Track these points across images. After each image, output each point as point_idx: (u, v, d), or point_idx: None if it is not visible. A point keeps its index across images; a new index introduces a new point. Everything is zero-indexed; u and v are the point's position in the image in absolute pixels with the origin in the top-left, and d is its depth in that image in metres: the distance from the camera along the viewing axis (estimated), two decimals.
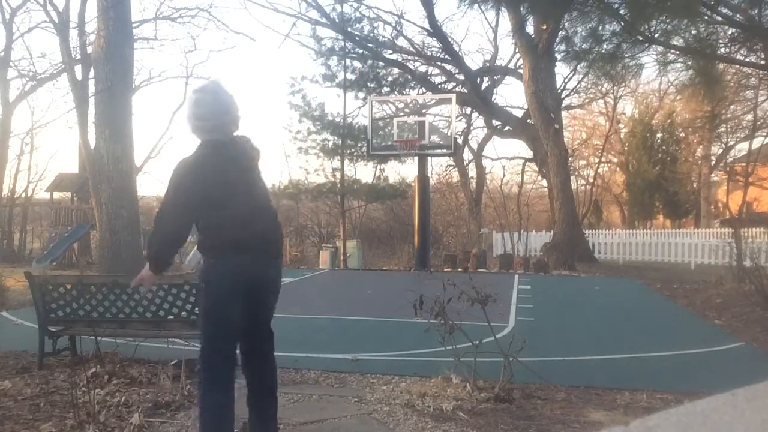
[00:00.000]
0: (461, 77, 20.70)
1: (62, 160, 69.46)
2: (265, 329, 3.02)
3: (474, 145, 25.30)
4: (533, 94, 15.79)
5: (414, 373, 4.54)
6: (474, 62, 40.97)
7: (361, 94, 17.73)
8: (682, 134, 27.98)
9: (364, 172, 35.80)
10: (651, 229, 26.12)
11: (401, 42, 20.85)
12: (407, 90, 18.80)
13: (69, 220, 15.82)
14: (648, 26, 8.59)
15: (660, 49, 9.62)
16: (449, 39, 20.80)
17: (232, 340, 2.87)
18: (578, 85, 23.51)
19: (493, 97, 22.25)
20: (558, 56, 15.20)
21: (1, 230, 17.23)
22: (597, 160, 28.03)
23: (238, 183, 2.80)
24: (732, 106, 22.74)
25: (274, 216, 3.03)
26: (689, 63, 9.83)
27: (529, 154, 22.09)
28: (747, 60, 10.05)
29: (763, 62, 9.77)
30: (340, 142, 16.34)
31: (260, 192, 2.94)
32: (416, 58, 21.21)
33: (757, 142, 20.50)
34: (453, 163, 24.35)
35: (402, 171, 45.89)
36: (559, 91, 20.08)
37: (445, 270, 13.46)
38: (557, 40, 14.28)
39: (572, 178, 21.76)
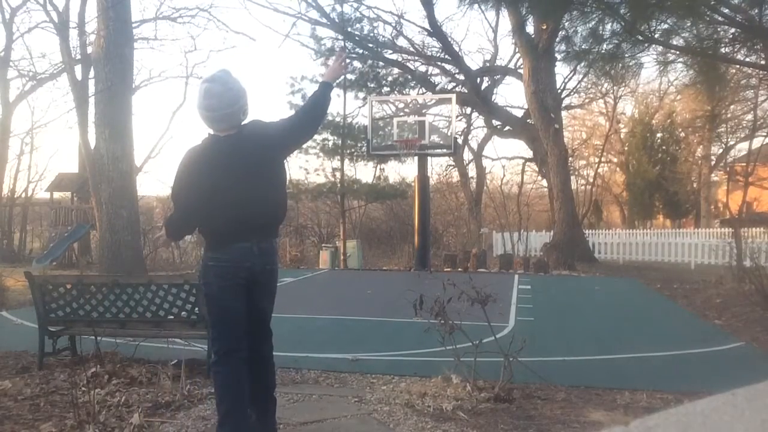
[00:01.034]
0: (461, 77, 20.70)
1: (62, 160, 69.54)
2: (265, 329, 3.04)
3: (474, 145, 25.34)
4: (533, 94, 15.79)
5: (414, 373, 4.54)
6: (474, 62, 40.97)
7: (361, 94, 17.73)
8: (682, 134, 27.98)
9: (364, 172, 35.97)
10: (651, 229, 26.11)
11: (401, 42, 20.88)
12: (407, 90, 18.79)
13: (69, 220, 15.81)
14: (648, 26, 8.59)
15: (660, 49, 9.63)
16: (449, 39, 20.83)
17: (237, 339, 2.89)
18: (578, 85, 23.56)
19: (493, 97, 22.26)
20: (558, 56, 15.22)
21: (1, 230, 17.23)
22: (597, 160, 28.02)
23: (230, 175, 2.83)
24: (732, 106, 22.73)
25: (274, 202, 2.98)
26: (689, 63, 9.83)
27: (529, 154, 22.10)
28: (747, 60, 10.04)
29: (763, 62, 9.77)
30: (340, 142, 16.34)
31: (262, 179, 2.91)
32: (416, 58, 21.21)
33: (757, 142, 20.46)
34: (453, 163, 24.36)
35: (402, 171, 45.98)
36: (559, 91, 20.08)
37: (445, 270, 13.45)
38: (557, 40, 14.28)
39: (572, 178, 21.75)
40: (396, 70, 19.42)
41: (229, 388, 2.85)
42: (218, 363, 2.90)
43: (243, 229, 2.84)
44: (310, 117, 3.08)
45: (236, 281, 2.86)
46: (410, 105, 15.49)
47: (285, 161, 3.20)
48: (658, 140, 27.70)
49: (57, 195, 17.94)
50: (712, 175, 27.20)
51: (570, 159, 20.53)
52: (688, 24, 8.54)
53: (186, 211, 2.92)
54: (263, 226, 2.93)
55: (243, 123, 2.93)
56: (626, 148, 29.75)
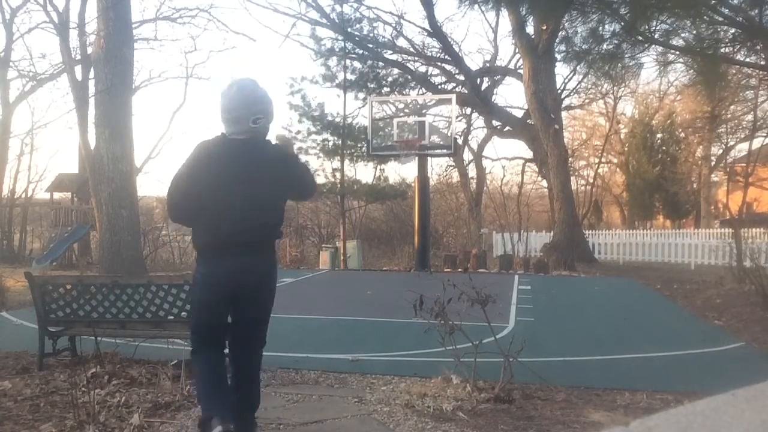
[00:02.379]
0: (461, 77, 20.70)
1: (62, 160, 69.67)
2: (254, 340, 3.07)
3: (474, 145, 25.34)
4: (533, 94, 15.80)
5: (414, 373, 4.53)
6: (474, 62, 41.05)
7: (361, 95, 17.72)
8: (682, 135, 28.01)
9: (364, 172, 35.88)
10: (651, 229, 26.13)
11: (401, 42, 20.88)
12: (407, 90, 18.79)
13: (69, 220, 15.80)
14: (648, 26, 8.59)
15: (660, 49, 9.62)
16: (449, 39, 20.84)
17: (215, 335, 2.97)
18: (578, 86, 23.58)
19: (493, 97, 22.27)
20: (558, 56, 15.20)
21: (1, 230, 17.22)
22: (597, 160, 28.06)
23: (229, 182, 2.82)
24: (732, 107, 22.76)
25: (271, 218, 2.96)
26: (689, 63, 9.84)
27: (529, 154, 22.10)
28: (747, 60, 10.04)
29: (763, 62, 9.77)
30: (340, 142, 16.34)
31: (261, 189, 2.89)
32: (416, 58, 21.22)
33: (757, 143, 20.50)
34: (453, 164, 24.35)
35: (402, 171, 45.89)
36: (559, 91, 20.09)
37: (445, 270, 13.45)
38: (557, 40, 14.30)
39: (572, 178, 21.78)
40: (396, 71, 19.40)
41: (208, 373, 2.92)
42: (196, 351, 2.98)
43: (235, 242, 2.82)
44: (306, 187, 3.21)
45: (225, 296, 2.89)
46: (410, 105, 15.49)
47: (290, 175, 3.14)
48: (658, 141, 27.72)
49: (57, 195, 17.94)
50: (712, 175, 27.23)
51: (570, 159, 20.57)
52: (688, 24, 8.54)
53: (182, 196, 2.87)
54: (254, 242, 2.90)
55: (261, 133, 2.94)
56: (626, 149, 29.76)
